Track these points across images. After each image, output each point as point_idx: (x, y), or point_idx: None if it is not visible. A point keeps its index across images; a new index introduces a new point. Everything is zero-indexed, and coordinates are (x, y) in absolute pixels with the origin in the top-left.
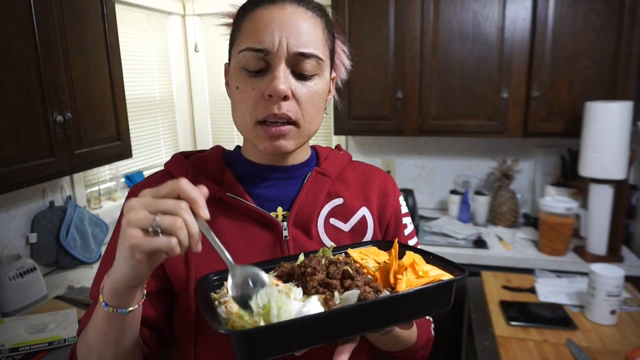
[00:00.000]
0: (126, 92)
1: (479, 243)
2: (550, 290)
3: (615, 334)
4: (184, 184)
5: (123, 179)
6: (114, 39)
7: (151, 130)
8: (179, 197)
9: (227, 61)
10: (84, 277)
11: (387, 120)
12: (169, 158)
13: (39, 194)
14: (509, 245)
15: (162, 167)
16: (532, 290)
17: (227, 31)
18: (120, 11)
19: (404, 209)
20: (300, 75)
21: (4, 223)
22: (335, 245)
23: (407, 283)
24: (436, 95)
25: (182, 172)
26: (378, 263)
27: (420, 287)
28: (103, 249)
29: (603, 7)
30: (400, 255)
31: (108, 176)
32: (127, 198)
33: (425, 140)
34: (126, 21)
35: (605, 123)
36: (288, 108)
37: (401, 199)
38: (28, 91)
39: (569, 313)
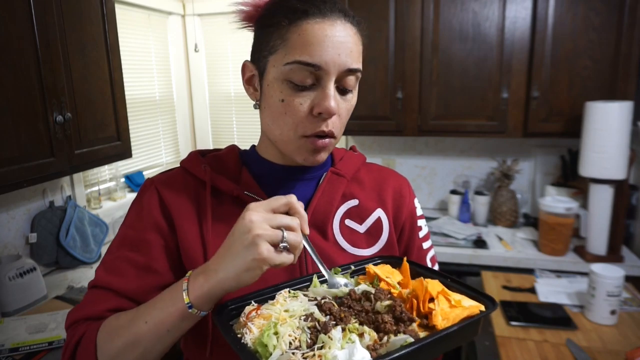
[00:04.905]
0: (126, 92)
1: (479, 243)
2: (550, 290)
3: (615, 334)
4: (296, 200)
5: (123, 179)
6: (114, 39)
7: (151, 130)
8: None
9: (247, 59)
10: (84, 277)
11: (387, 120)
12: (169, 158)
13: (39, 194)
14: (509, 245)
15: (162, 167)
16: (532, 290)
17: (231, 19)
18: (120, 11)
19: (419, 211)
20: (343, 90)
21: (4, 223)
22: (340, 268)
23: (442, 315)
24: (436, 95)
25: (199, 170)
26: (397, 283)
27: (463, 323)
28: (103, 249)
29: (603, 7)
30: (412, 273)
31: (108, 176)
32: (141, 191)
33: (425, 140)
34: (126, 21)
35: (605, 123)
36: (334, 124)
37: (416, 201)
38: (28, 91)
39: (569, 313)
